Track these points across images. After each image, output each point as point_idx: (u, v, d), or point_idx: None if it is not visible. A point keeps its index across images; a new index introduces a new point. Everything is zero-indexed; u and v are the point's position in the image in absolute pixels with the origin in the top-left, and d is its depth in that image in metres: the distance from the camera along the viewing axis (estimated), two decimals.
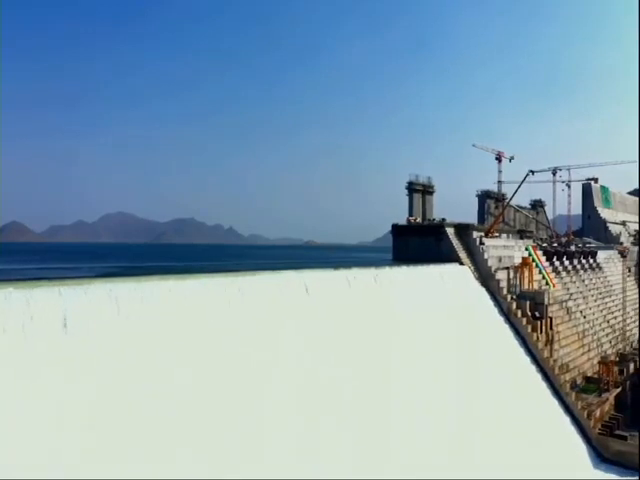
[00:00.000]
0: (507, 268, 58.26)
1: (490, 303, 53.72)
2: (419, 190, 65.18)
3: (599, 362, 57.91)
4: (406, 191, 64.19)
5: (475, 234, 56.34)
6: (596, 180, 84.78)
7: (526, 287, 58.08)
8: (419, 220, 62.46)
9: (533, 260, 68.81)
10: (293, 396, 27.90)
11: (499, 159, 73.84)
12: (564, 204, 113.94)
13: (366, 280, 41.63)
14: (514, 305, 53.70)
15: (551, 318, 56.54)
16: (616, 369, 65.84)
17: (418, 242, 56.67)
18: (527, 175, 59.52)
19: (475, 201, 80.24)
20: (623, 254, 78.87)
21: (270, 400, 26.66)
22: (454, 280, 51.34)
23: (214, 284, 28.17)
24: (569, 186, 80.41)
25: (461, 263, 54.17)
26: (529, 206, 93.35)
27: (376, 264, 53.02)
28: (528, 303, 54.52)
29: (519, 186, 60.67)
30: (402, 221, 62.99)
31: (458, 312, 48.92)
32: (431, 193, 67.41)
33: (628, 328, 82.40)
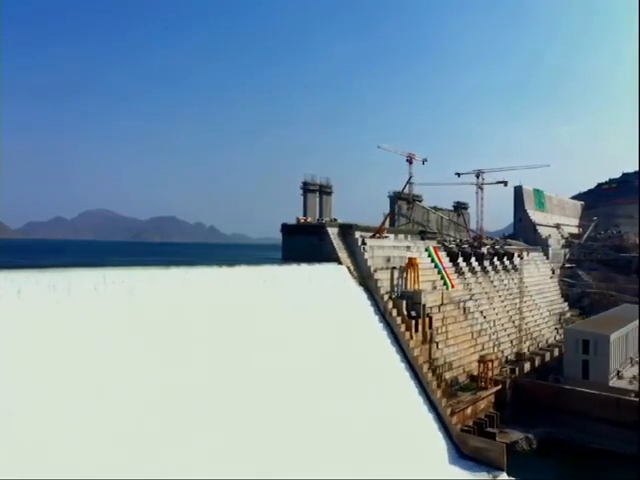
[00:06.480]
0: (394, 268, 59.19)
1: (367, 302, 54.42)
2: (314, 190, 65.89)
3: (478, 361, 58.96)
4: (301, 191, 64.83)
5: (357, 234, 57.10)
6: (506, 184, 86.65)
7: (409, 287, 58.95)
8: (310, 220, 63.13)
9: (432, 261, 70.07)
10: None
11: (410, 161, 74.97)
12: (504, 208, 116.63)
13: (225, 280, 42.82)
14: (390, 304, 54.58)
15: (430, 317, 57.57)
16: (508, 368, 67.45)
17: (304, 242, 57.31)
18: (410, 178, 60.57)
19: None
20: (520, 257, 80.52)
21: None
22: (327, 280, 51.89)
23: None
24: (481, 189, 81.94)
25: (340, 263, 54.90)
26: (452, 208, 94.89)
27: (263, 263, 53.88)
28: (405, 303, 55.48)
29: (405, 185, 61.63)
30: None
31: (329, 312, 49.48)
32: (329, 194, 68.16)
33: (538, 328, 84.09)
